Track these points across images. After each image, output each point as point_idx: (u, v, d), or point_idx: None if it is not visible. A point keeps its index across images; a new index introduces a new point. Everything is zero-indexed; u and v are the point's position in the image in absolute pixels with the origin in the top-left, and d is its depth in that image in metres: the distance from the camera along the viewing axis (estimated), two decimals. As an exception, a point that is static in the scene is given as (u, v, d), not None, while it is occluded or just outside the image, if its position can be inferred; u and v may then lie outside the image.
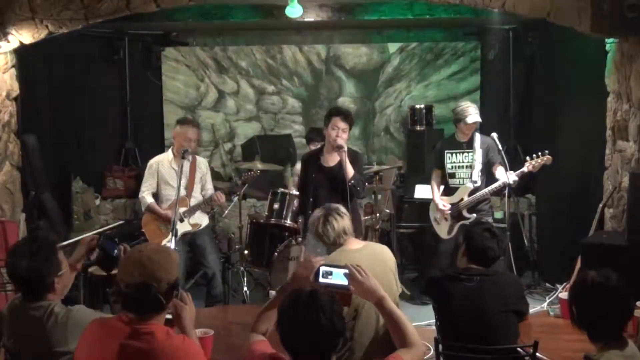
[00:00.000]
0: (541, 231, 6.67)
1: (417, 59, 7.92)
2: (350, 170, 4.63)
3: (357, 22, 7.50)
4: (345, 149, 4.64)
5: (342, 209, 3.48)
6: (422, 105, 7.39)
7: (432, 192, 5.56)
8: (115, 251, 2.99)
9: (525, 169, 5.01)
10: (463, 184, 5.36)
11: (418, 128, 7.33)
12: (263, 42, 7.99)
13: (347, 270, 2.58)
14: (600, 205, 5.20)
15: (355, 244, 3.44)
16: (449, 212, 5.38)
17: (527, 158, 5.03)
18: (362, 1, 6.95)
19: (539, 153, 4.98)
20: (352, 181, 4.61)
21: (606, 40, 5.06)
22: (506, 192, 5.10)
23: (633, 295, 2.49)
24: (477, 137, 5.37)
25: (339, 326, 2.10)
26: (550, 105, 6.49)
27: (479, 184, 5.29)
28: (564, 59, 6.19)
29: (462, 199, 5.32)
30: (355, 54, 7.96)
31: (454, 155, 5.45)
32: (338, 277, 2.57)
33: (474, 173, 5.30)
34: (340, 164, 4.64)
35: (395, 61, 7.93)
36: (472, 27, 7.70)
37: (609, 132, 5.20)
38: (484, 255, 3.31)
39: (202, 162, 5.46)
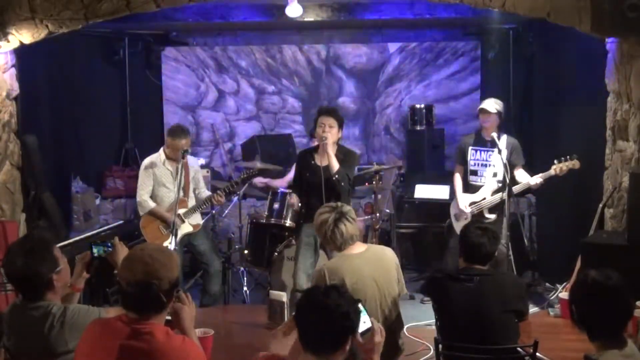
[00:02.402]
0: (541, 231, 6.66)
1: (417, 59, 7.92)
2: (334, 164, 4.61)
3: (357, 22, 7.50)
4: (328, 141, 4.61)
5: (353, 213, 3.42)
6: (422, 105, 7.41)
7: (455, 188, 5.44)
8: (109, 248, 2.95)
9: (552, 171, 4.96)
10: (484, 183, 5.28)
11: (418, 128, 7.36)
12: (263, 41, 7.99)
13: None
14: (600, 205, 5.19)
15: (356, 248, 3.39)
16: (469, 214, 5.24)
17: (555, 161, 4.96)
18: (362, 1, 6.95)
19: (567, 157, 4.92)
20: (337, 175, 4.60)
21: (606, 40, 5.05)
22: (506, 192, 5.09)
23: (633, 295, 2.49)
24: (503, 136, 5.29)
25: (354, 319, 2.13)
26: (550, 105, 6.48)
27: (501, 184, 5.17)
28: (564, 59, 6.18)
29: (484, 198, 5.24)
30: (355, 53, 7.96)
31: (477, 152, 5.34)
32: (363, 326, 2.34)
33: (499, 172, 5.17)
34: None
35: (395, 61, 7.92)
36: (472, 27, 7.69)
37: (609, 132, 5.20)
38: (477, 252, 3.30)
39: (192, 160, 5.36)
